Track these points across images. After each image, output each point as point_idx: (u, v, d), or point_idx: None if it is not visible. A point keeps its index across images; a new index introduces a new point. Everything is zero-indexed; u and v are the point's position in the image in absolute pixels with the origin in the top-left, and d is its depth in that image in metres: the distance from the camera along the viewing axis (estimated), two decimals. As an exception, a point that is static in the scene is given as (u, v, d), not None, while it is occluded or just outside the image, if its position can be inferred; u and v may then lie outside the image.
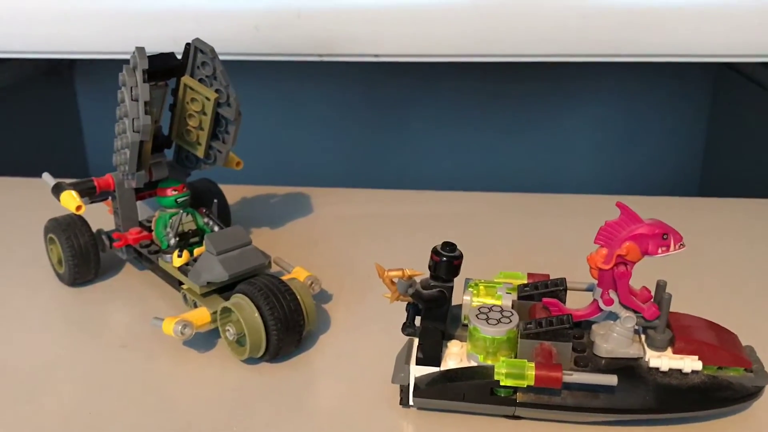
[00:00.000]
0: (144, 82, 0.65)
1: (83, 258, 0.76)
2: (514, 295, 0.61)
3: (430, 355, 0.58)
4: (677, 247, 0.54)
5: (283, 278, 0.67)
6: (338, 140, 1.49)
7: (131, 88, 0.66)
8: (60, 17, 1.01)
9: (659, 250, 0.54)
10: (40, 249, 0.82)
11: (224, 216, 0.85)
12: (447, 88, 1.43)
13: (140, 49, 0.66)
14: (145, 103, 0.66)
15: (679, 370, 0.56)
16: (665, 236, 0.54)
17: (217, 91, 0.71)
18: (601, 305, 0.57)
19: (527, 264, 0.71)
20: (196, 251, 0.72)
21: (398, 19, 0.91)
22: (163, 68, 0.71)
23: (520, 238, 0.90)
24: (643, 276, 0.58)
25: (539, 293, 0.61)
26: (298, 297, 0.65)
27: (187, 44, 0.71)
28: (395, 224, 0.94)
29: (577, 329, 0.59)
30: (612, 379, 0.53)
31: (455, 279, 0.57)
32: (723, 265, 0.83)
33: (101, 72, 1.51)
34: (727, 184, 1.38)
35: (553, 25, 0.90)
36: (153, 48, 0.70)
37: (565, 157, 1.49)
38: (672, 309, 0.57)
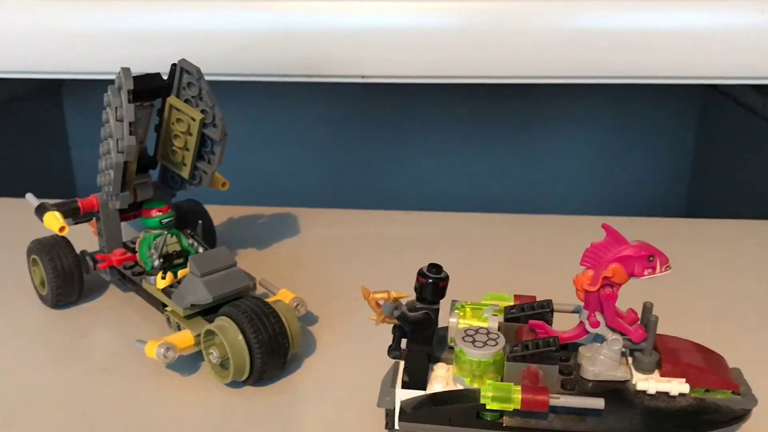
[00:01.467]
0: (129, 102, 0.65)
1: (66, 279, 0.75)
2: (501, 317, 0.61)
3: (416, 378, 0.57)
4: (663, 269, 0.54)
5: (269, 300, 0.66)
6: (325, 160, 1.49)
7: (116, 108, 0.66)
8: (47, 37, 1.01)
9: (645, 272, 0.54)
10: (22, 270, 0.81)
11: (210, 237, 0.85)
12: (434, 108, 1.43)
13: (125, 70, 0.65)
14: (130, 124, 0.65)
15: (667, 393, 0.55)
16: (651, 258, 0.54)
17: (203, 111, 0.70)
18: (588, 327, 0.56)
19: (514, 285, 0.71)
20: (180, 273, 0.71)
21: (386, 40, 0.92)
22: (148, 89, 0.70)
23: (508, 258, 0.90)
24: (629, 298, 0.58)
25: (526, 315, 0.60)
26: (283, 319, 0.64)
27: (173, 65, 0.71)
28: (382, 245, 0.93)
29: (564, 352, 0.59)
30: (599, 403, 0.53)
31: (442, 301, 0.57)
32: (710, 286, 0.83)
33: (89, 91, 1.50)
34: (714, 205, 1.39)
35: (541, 47, 0.91)
36: (140, 68, 0.70)
37: (553, 177, 1.50)
38: (659, 331, 0.57)
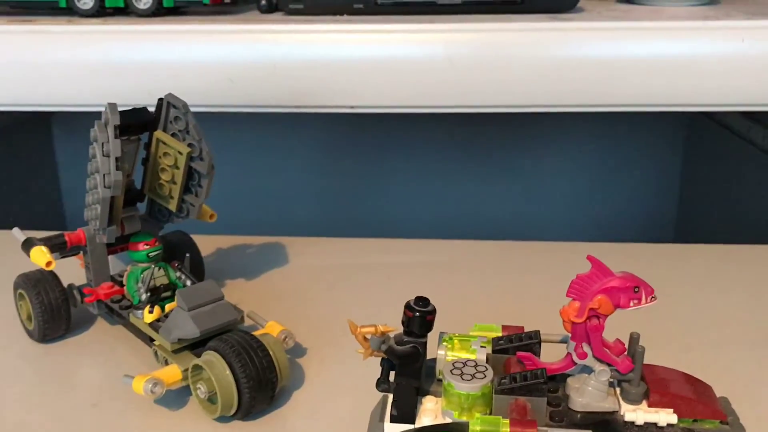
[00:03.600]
0: (115, 137, 0.65)
1: (53, 314, 0.75)
2: (489, 349, 0.61)
3: (405, 412, 0.57)
4: (648, 300, 0.55)
5: (256, 333, 0.66)
6: (314, 190, 1.49)
7: (102, 144, 0.66)
8: (35, 70, 1.01)
9: (631, 303, 0.54)
10: (8, 305, 0.81)
11: (197, 269, 0.84)
12: (422, 136, 1.44)
13: (112, 105, 0.66)
14: (117, 159, 0.66)
15: (655, 424, 0.55)
16: (636, 289, 0.54)
17: (189, 145, 0.71)
18: (575, 359, 0.56)
19: (502, 314, 0.71)
20: (168, 306, 0.71)
21: (374, 71, 0.92)
22: (135, 123, 0.71)
23: (496, 287, 0.90)
24: (616, 328, 0.58)
25: (513, 347, 0.60)
26: (271, 353, 0.64)
27: (160, 99, 0.71)
28: (372, 274, 0.93)
29: (552, 383, 0.59)
30: (587, 436, 0.53)
31: (429, 332, 0.57)
32: (697, 313, 0.83)
33: (79, 123, 1.50)
34: (703, 229, 1.40)
35: (527, 77, 0.92)
36: (127, 99, 0.70)
37: (542, 204, 1.50)
38: (646, 361, 0.57)
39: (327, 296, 0.87)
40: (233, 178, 1.44)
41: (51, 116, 1.56)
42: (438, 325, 0.57)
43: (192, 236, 0.88)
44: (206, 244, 0.93)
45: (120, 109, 0.67)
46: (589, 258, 0.55)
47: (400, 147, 1.46)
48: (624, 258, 0.56)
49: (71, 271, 0.80)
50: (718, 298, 0.86)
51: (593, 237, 1.14)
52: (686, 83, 0.92)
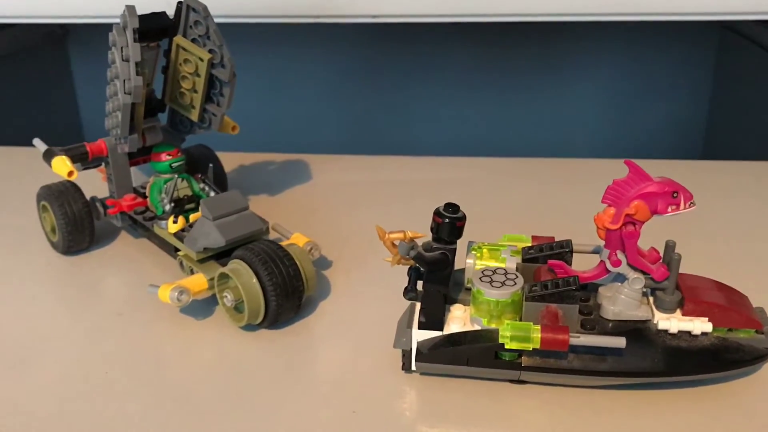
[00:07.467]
0: (135, 41, 0.63)
1: (77, 226, 0.74)
2: (519, 258, 0.60)
3: (433, 319, 0.56)
4: (687, 205, 0.53)
5: (282, 244, 0.65)
6: (337, 105, 1.47)
7: (122, 48, 0.64)
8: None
9: (669, 209, 0.53)
10: (33, 218, 0.80)
11: (221, 183, 0.83)
12: (448, 50, 1.40)
13: (130, 7, 0.63)
14: (137, 64, 0.64)
15: (689, 332, 0.55)
16: (675, 194, 0.52)
17: (210, 51, 0.68)
18: (609, 266, 0.55)
19: (531, 229, 0.70)
20: (192, 217, 0.70)
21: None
22: (154, 28, 0.68)
23: (524, 203, 0.88)
24: (650, 237, 0.57)
25: (544, 255, 0.59)
26: (297, 262, 0.63)
27: (179, 2, 0.69)
28: (395, 191, 0.92)
29: (584, 292, 0.58)
30: (620, 342, 0.52)
31: (458, 242, 0.56)
32: (731, 226, 0.82)
33: (95, 39, 1.47)
34: (731, 146, 1.36)
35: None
36: (144, 8, 0.68)
37: (568, 120, 1.47)
38: (681, 270, 0.56)
39: (350, 212, 0.86)
40: (253, 95, 1.42)
41: (66, 36, 1.53)
42: (465, 238, 0.56)
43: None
44: (228, 161, 0.91)
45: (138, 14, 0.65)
46: (627, 162, 0.53)
47: (424, 62, 1.42)
48: (653, 174, 0.54)
49: (93, 186, 0.79)
50: (750, 212, 0.85)
51: (620, 155, 1.11)
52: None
